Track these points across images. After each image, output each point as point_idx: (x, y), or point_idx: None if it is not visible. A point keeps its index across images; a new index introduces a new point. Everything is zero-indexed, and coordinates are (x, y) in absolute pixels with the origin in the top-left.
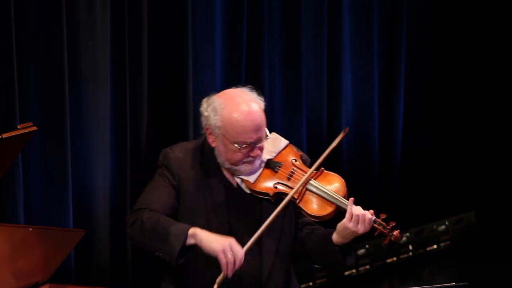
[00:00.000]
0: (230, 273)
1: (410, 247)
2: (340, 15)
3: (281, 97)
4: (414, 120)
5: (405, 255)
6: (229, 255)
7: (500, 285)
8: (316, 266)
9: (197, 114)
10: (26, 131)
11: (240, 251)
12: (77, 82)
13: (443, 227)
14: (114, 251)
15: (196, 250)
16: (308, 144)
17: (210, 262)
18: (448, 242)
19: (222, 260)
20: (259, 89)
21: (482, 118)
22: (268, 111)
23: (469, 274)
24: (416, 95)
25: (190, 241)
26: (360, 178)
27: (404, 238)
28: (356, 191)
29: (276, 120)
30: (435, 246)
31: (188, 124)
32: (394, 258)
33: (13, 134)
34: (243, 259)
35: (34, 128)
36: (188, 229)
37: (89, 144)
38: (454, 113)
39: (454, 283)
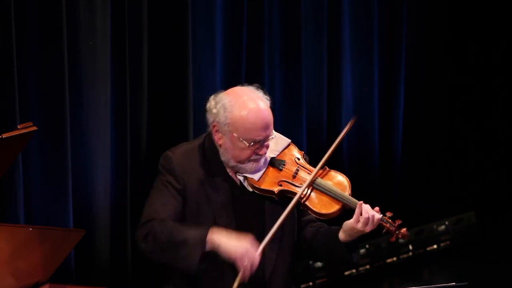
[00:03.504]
0: (247, 279)
1: (410, 247)
2: (340, 15)
3: (281, 97)
4: (414, 120)
5: (405, 255)
6: (246, 262)
7: (500, 285)
8: (318, 265)
9: (197, 114)
10: (26, 131)
11: (256, 257)
12: (77, 82)
13: (443, 227)
14: (114, 251)
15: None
16: (308, 143)
17: (224, 268)
18: (448, 242)
19: (240, 267)
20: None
21: (482, 117)
22: None
23: (469, 274)
24: (416, 95)
25: (208, 247)
26: (360, 178)
27: None
28: (357, 191)
29: (276, 120)
30: (435, 246)
31: (188, 124)
32: (394, 258)
33: (13, 134)
34: (258, 262)
35: (34, 128)
36: (205, 236)
37: (89, 144)
38: (454, 112)
39: (454, 283)
